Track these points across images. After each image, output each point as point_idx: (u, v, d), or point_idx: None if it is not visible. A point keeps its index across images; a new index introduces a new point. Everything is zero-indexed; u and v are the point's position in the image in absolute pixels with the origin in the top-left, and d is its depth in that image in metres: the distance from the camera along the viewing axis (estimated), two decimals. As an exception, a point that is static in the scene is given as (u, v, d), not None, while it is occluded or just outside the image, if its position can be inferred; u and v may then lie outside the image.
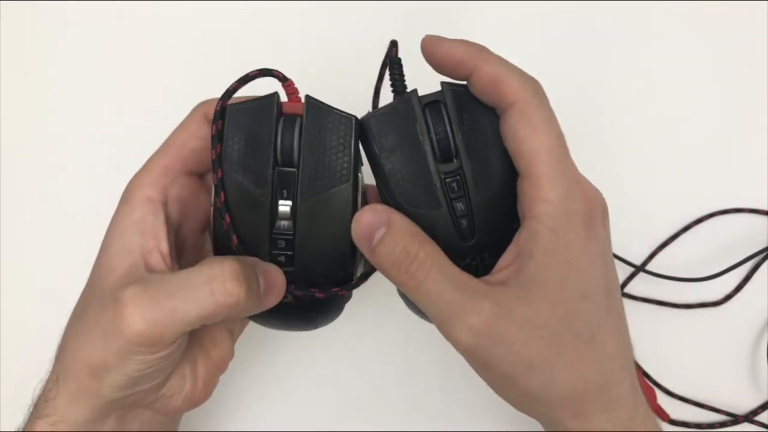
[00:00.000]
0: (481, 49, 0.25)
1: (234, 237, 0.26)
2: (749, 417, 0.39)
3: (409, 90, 0.27)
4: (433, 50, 0.25)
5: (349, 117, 0.26)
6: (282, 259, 0.26)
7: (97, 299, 0.26)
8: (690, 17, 0.45)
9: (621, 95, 0.44)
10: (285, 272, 0.27)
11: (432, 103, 0.26)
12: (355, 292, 0.40)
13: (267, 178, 0.26)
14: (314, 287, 0.27)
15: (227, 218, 0.26)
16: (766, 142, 0.43)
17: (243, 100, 0.27)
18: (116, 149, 0.42)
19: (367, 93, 0.43)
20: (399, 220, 0.25)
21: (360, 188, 0.27)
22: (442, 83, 0.26)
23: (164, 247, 0.27)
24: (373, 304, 0.41)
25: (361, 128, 0.26)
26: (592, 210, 0.24)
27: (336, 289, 0.27)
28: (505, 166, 0.26)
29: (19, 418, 0.37)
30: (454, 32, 0.45)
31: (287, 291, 0.27)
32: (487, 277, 0.25)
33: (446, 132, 0.26)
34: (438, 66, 0.26)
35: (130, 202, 0.27)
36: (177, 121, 0.36)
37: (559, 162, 0.24)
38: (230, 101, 0.26)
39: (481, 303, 0.23)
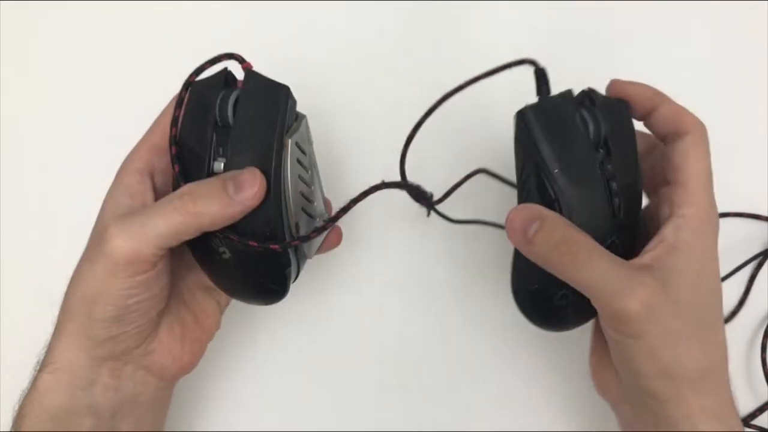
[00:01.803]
0: (659, 92, 0.30)
1: (182, 184, 0.29)
2: (746, 420, 0.39)
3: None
4: (623, 89, 0.30)
5: (281, 85, 0.29)
6: None
7: (87, 246, 0.30)
8: (688, 19, 0.45)
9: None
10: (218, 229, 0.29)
11: (579, 102, 0.30)
12: (356, 292, 0.41)
13: (206, 137, 0.29)
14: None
15: (176, 168, 0.29)
16: (767, 145, 0.43)
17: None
18: (117, 148, 0.42)
19: (363, 88, 0.43)
20: (551, 213, 0.28)
21: (290, 157, 0.29)
22: (585, 90, 0.31)
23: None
24: (374, 302, 0.41)
25: (523, 117, 0.29)
26: (718, 228, 0.29)
27: (273, 245, 0.29)
28: (636, 160, 0.30)
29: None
30: (455, 31, 0.45)
31: (222, 242, 0.29)
32: (634, 261, 0.28)
33: (597, 124, 0.29)
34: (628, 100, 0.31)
35: (121, 173, 0.31)
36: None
37: (709, 184, 0.29)
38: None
39: (646, 278, 0.26)
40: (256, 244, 0.29)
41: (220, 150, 0.29)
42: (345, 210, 0.32)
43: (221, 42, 0.44)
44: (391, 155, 0.40)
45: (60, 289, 0.39)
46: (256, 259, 0.30)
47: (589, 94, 0.30)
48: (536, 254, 0.28)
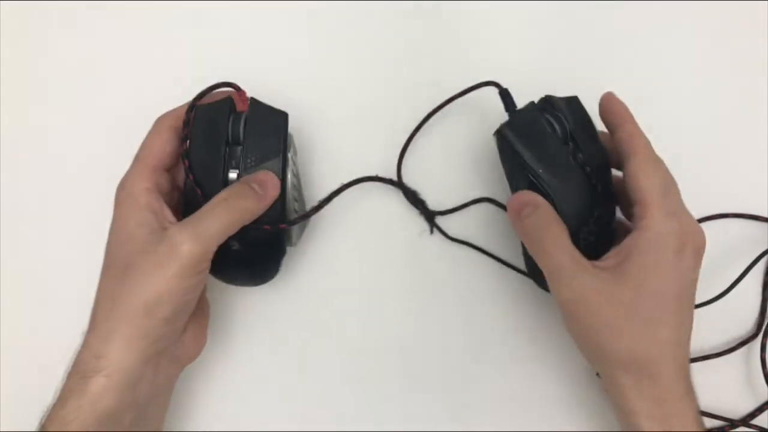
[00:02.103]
0: (628, 112, 0.35)
1: (198, 190, 0.34)
2: (746, 420, 0.39)
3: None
4: (611, 100, 0.36)
5: (282, 112, 0.36)
6: None
7: (137, 256, 0.32)
8: (689, 19, 0.44)
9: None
10: None
11: (542, 109, 0.36)
12: (355, 291, 0.41)
13: (220, 153, 0.34)
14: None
15: (191, 177, 0.34)
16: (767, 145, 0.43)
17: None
18: (117, 148, 0.42)
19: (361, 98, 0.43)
20: (544, 203, 0.34)
21: (290, 166, 0.36)
22: (544, 97, 0.37)
23: (173, 220, 0.34)
24: (375, 302, 0.41)
25: (501, 135, 0.36)
26: (683, 241, 0.32)
27: (282, 225, 0.36)
28: (598, 140, 0.36)
29: (19, 418, 0.38)
30: (455, 32, 0.45)
31: (234, 236, 0.34)
32: (595, 262, 0.33)
33: (561, 123, 0.35)
34: (603, 113, 0.36)
35: (133, 194, 0.33)
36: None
37: (663, 198, 0.33)
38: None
39: (583, 275, 0.32)
40: (269, 228, 0.35)
41: (233, 162, 0.35)
42: (337, 192, 0.39)
43: (221, 43, 0.44)
44: (392, 158, 0.40)
45: (59, 290, 0.40)
46: (260, 247, 0.36)
47: (548, 100, 0.36)
48: (522, 231, 0.35)
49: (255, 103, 0.36)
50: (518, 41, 0.44)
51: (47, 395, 0.38)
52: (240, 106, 0.36)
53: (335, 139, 0.43)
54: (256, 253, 0.37)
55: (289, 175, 0.36)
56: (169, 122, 0.35)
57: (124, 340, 0.30)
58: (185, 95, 0.35)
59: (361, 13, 0.45)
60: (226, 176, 0.34)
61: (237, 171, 0.34)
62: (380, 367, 0.40)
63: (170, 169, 0.36)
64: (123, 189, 0.34)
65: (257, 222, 0.34)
